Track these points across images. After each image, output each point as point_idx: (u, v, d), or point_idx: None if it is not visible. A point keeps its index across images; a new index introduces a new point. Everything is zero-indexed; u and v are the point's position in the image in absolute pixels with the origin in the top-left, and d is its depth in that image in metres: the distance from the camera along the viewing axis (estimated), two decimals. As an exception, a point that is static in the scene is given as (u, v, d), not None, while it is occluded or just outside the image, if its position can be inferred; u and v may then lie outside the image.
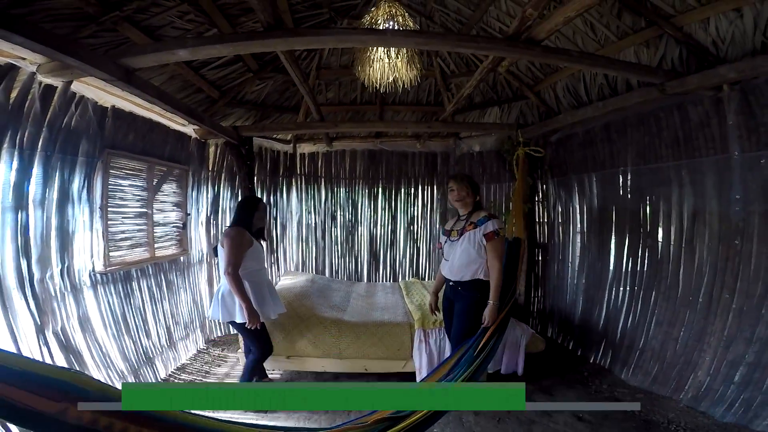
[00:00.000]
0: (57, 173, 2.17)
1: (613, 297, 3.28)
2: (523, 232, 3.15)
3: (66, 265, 2.26)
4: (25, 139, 1.97)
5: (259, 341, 2.52)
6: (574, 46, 2.98)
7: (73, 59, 1.72)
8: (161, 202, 3.19)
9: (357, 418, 1.80)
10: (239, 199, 2.78)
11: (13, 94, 1.93)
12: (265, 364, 2.76)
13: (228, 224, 2.69)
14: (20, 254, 1.97)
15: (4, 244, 1.90)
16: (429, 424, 1.84)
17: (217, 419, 1.40)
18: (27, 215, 2.00)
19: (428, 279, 4.90)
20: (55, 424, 1.01)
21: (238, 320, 2.38)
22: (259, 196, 4.45)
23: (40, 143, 2.05)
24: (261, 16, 1.71)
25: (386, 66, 2.81)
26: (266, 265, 2.71)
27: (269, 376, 2.92)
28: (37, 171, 2.05)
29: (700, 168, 2.54)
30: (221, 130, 3.38)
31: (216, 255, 2.56)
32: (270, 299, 2.58)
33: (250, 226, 2.55)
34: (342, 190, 5.14)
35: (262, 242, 2.68)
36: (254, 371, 2.61)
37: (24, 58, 1.89)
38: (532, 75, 3.72)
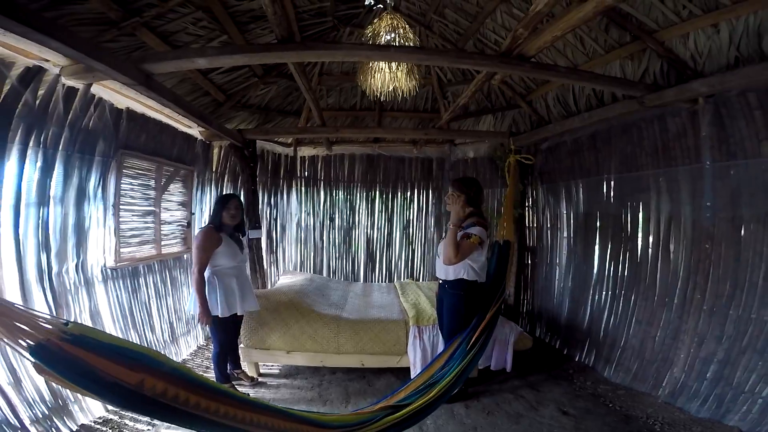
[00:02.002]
0: (75, 172, 2.29)
1: (596, 298, 3.44)
2: (513, 236, 3.34)
3: (81, 260, 2.37)
4: (48, 138, 2.09)
5: (216, 335, 2.66)
6: (564, 58, 3.17)
7: (101, 64, 1.85)
8: (168, 201, 3.31)
9: (365, 407, 1.96)
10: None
11: (40, 95, 2.04)
12: (263, 359, 2.92)
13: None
14: (41, 248, 2.09)
15: (27, 239, 2.02)
16: (426, 413, 2.00)
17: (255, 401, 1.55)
18: (48, 211, 2.12)
19: (422, 280, 5.06)
20: (131, 393, 1.12)
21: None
22: (253, 195, 4.38)
23: (61, 143, 2.17)
24: (276, 30, 1.87)
25: (387, 76, 2.97)
26: (242, 260, 2.76)
27: (242, 367, 3.06)
28: (58, 169, 2.17)
29: (675, 176, 2.72)
30: (227, 133, 3.52)
31: None
32: (238, 295, 2.64)
33: (220, 225, 2.63)
34: (340, 192, 5.31)
35: (242, 238, 2.76)
36: (219, 363, 2.73)
37: (47, 60, 1.99)
38: (525, 85, 3.91)
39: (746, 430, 2.20)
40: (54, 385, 2.08)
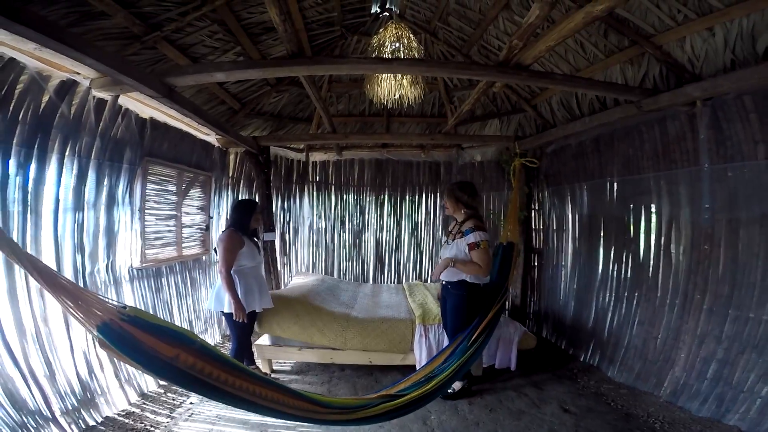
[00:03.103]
0: (106, 179, 2.49)
1: (601, 299, 3.48)
2: (518, 237, 3.42)
3: (111, 261, 2.57)
4: (82, 147, 2.30)
5: (237, 331, 2.79)
6: (566, 63, 3.25)
7: (129, 78, 2.02)
8: (188, 205, 3.52)
9: (366, 395, 2.09)
10: (236, 201, 3.07)
11: (73, 107, 2.22)
12: (276, 355, 3.04)
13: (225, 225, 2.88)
14: (76, 249, 2.29)
15: (64, 240, 2.23)
16: (423, 403, 2.12)
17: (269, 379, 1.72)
18: (83, 216, 2.33)
19: (431, 281, 5.16)
20: (168, 366, 1.35)
21: (226, 310, 2.68)
22: (267, 200, 4.59)
23: (93, 151, 2.38)
24: (287, 45, 2.03)
25: (393, 85, 3.11)
26: (259, 261, 2.95)
27: (256, 364, 3.16)
28: (90, 177, 2.38)
29: (675, 179, 2.76)
30: (242, 140, 3.71)
31: (216, 254, 2.80)
32: (257, 293, 2.79)
33: (245, 228, 2.77)
34: (351, 196, 5.46)
35: (256, 240, 2.92)
36: (237, 359, 2.81)
37: (78, 73, 2.17)
38: (530, 90, 3.98)
39: (745, 429, 2.21)
40: (84, 377, 2.28)
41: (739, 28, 2.16)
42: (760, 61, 2.13)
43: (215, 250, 2.75)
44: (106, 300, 1.34)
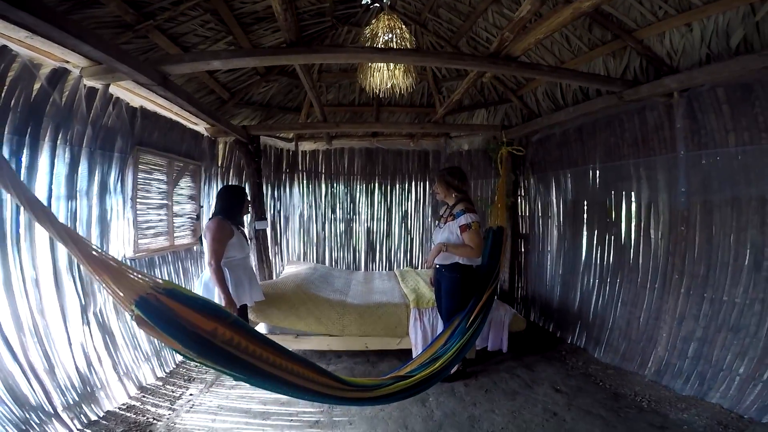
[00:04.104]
0: (98, 167, 2.45)
1: (585, 282, 3.65)
2: (506, 222, 3.54)
3: (104, 250, 2.52)
4: (74, 136, 2.25)
5: None
6: (552, 55, 3.36)
7: (125, 66, 1.99)
8: (178, 195, 3.48)
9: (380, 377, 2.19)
10: (225, 188, 2.84)
11: (65, 95, 2.17)
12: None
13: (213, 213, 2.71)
14: (70, 238, 2.26)
15: (59, 229, 2.19)
16: (430, 383, 2.23)
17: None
18: (75, 204, 2.29)
19: (421, 268, 5.27)
20: (206, 342, 1.36)
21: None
22: (258, 189, 4.49)
23: (85, 140, 2.33)
24: (285, 35, 2.04)
25: (385, 74, 3.14)
26: (248, 252, 2.81)
27: None
28: (82, 165, 2.33)
29: (654, 165, 2.93)
30: (233, 129, 3.68)
31: (201, 244, 2.62)
32: (248, 286, 2.67)
33: (236, 217, 2.65)
34: (341, 185, 5.50)
35: (242, 230, 2.80)
36: None
37: (68, 62, 2.10)
38: (516, 81, 4.09)
39: (727, 406, 2.32)
40: (83, 371, 2.25)
41: (715, 24, 2.30)
42: (733, 55, 2.28)
43: (200, 239, 2.60)
44: (141, 274, 1.33)
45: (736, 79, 2.30)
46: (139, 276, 1.32)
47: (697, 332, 2.57)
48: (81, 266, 2.41)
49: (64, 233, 1.25)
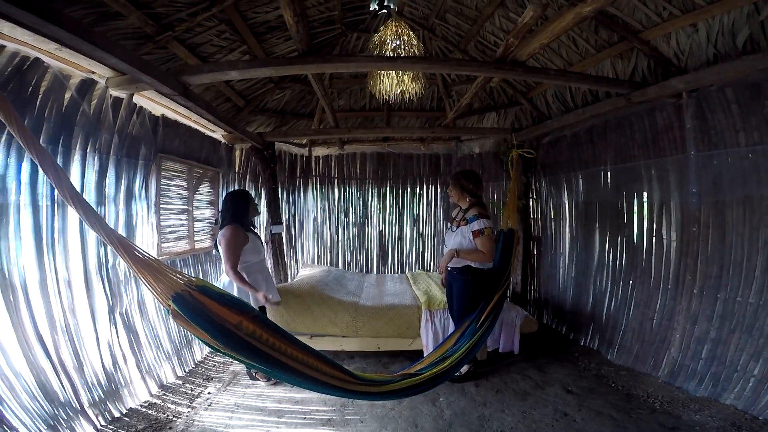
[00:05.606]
0: (124, 174, 2.59)
1: (598, 284, 3.63)
2: (517, 225, 3.56)
3: (147, 253, 2.64)
4: (102, 144, 2.39)
5: None
6: (560, 58, 3.38)
7: (148, 77, 2.11)
8: (198, 200, 3.63)
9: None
10: (230, 194, 2.83)
11: (93, 105, 2.31)
12: None
13: (224, 220, 2.68)
14: (99, 242, 2.39)
15: (88, 233, 2.33)
16: (439, 382, 2.28)
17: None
18: (104, 210, 2.43)
19: (433, 270, 5.31)
20: (232, 335, 1.48)
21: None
22: (274, 194, 4.58)
23: (112, 148, 2.48)
24: (298, 45, 2.14)
25: (394, 80, 3.22)
26: (264, 255, 2.86)
27: None
28: (110, 172, 2.48)
29: (665, 166, 2.91)
30: (249, 136, 3.82)
31: (217, 249, 2.67)
32: (264, 288, 2.69)
33: (246, 220, 2.69)
34: (353, 189, 5.61)
35: (257, 232, 2.83)
36: None
37: (94, 72, 2.24)
38: (525, 83, 4.11)
39: (741, 408, 2.30)
40: (108, 369, 2.37)
41: (720, 24, 2.30)
42: (740, 55, 2.27)
43: (216, 246, 2.67)
44: (177, 272, 1.47)
45: (744, 79, 2.29)
46: (176, 275, 1.46)
47: (710, 333, 2.55)
48: (124, 265, 2.54)
49: (113, 237, 1.38)
